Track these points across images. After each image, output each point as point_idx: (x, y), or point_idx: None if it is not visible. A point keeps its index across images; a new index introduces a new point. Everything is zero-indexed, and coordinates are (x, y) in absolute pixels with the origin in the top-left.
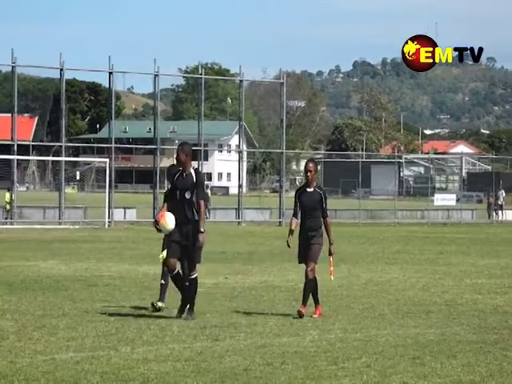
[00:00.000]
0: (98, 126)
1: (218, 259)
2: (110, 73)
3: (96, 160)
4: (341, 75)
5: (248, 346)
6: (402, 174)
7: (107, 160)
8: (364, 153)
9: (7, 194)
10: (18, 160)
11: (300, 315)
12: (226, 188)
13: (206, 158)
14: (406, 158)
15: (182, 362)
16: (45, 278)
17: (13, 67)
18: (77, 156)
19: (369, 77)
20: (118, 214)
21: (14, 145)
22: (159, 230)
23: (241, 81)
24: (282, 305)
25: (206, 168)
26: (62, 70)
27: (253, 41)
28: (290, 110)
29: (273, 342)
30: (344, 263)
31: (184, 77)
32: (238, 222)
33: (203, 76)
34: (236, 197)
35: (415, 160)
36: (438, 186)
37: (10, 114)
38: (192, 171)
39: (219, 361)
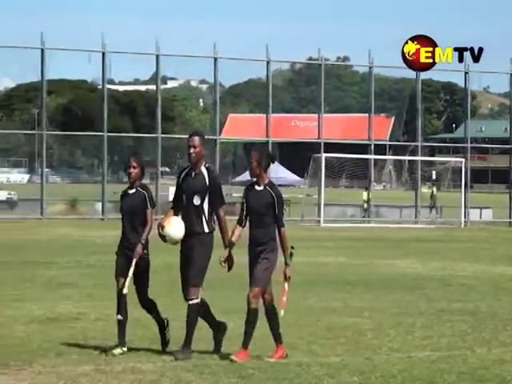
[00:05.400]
0: (453, 125)
1: None
2: (466, 73)
3: (452, 160)
4: None
5: None
6: None
7: (463, 160)
8: None
9: (364, 193)
10: (374, 159)
11: (232, 360)
12: None
13: None
14: None
15: None
16: (400, 276)
17: (370, 68)
18: (432, 155)
19: None
20: (474, 214)
21: (370, 144)
22: (164, 240)
23: None
24: None
25: None
26: None
27: None
28: None
29: None
30: None
31: None
32: None
33: None
34: None
35: None
36: None
37: (367, 114)
38: (204, 170)
39: None
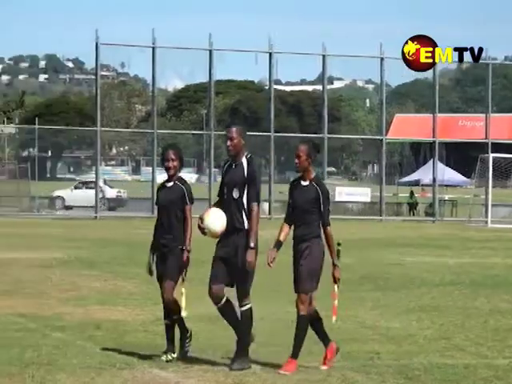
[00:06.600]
0: None
1: None
2: None
3: None
4: None
5: None
6: None
7: None
8: None
9: None
10: None
11: (283, 371)
12: None
13: None
14: None
15: None
16: None
17: None
18: None
19: None
20: None
21: None
22: (204, 233)
23: None
24: None
25: None
26: None
27: None
28: None
29: None
30: None
31: None
32: None
33: None
34: None
35: None
36: None
37: None
38: (244, 161)
39: None
